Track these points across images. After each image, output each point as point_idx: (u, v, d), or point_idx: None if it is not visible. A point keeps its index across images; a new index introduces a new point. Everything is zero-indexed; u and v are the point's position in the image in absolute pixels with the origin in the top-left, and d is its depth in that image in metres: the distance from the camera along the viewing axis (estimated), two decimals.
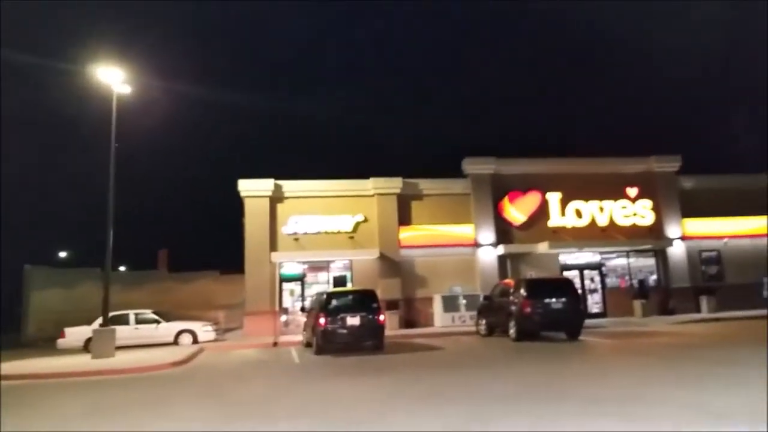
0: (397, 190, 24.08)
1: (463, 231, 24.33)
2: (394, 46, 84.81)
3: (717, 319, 21.14)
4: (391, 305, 22.12)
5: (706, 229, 25.84)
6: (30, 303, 31.16)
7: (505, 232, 24.69)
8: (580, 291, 21.71)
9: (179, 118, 74.66)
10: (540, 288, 16.82)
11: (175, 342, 20.25)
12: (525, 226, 24.83)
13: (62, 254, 43.95)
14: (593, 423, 6.21)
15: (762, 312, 21.86)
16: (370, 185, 24.00)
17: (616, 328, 19.21)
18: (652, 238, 25.06)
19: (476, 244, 24.28)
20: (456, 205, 24.73)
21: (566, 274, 23.96)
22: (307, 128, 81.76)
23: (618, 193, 25.56)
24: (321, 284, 23.12)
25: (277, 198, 23.49)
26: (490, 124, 77.38)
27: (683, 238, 25.54)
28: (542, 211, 24.92)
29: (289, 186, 23.66)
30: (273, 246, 22.92)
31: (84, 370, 13.75)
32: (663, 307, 24.40)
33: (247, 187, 23.23)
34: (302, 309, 20.52)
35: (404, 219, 24.13)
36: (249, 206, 23.32)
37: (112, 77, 17.16)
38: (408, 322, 22.91)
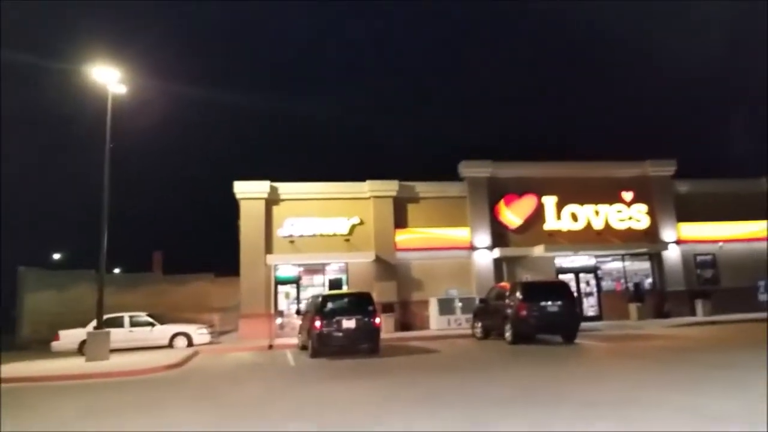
0: (393, 193, 24.07)
1: (459, 234, 24.33)
2: (394, 46, 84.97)
3: (712, 323, 21.18)
4: (387, 308, 22.11)
5: (701, 233, 25.90)
6: (24, 305, 30.99)
7: (501, 235, 24.70)
8: (575, 294, 21.73)
9: (175, 119, 74.67)
10: (536, 291, 16.82)
11: (170, 345, 20.15)
12: (521, 229, 24.85)
13: (56, 256, 43.70)
14: (589, 426, 6.21)
15: (757, 315, 21.98)
16: (366, 188, 23.98)
17: (611, 332, 19.24)
18: (648, 242, 25.12)
19: (472, 247, 24.29)
20: (452, 208, 24.73)
21: (562, 277, 24.00)
22: (305, 128, 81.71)
23: (613, 197, 25.62)
24: (316, 287, 23.07)
25: (272, 200, 23.43)
26: (489, 124, 77.64)
27: (678, 241, 25.61)
28: (538, 214, 24.96)
29: (285, 188, 23.61)
30: (268, 248, 22.87)
31: (78, 373, 13.66)
32: (658, 311, 24.47)
33: (242, 189, 23.17)
34: (298, 312, 20.45)
35: (400, 222, 24.12)
36: (244, 208, 23.27)
37: (108, 77, 17.05)
38: (404, 325, 22.89)
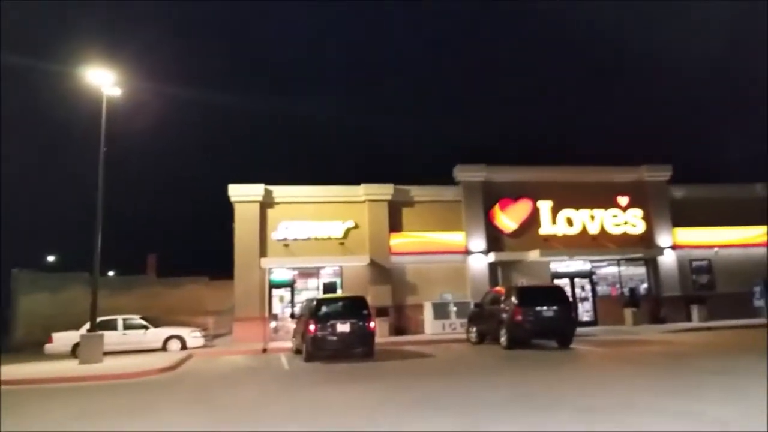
0: (388, 197, 24.05)
1: (454, 238, 24.31)
2: (394, 46, 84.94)
3: (708, 328, 21.20)
4: (382, 312, 22.03)
5: (696, 238, 25.95)
6: (18, 307, 30.85)
7: (496, 239, 24.70)
8: (570, 299, 21.71)
9: (170, 121, 74.31)
10: (531, 296, 16.78)
11: (164, 348, 20.04)
12: (516, 233, 24.85)
13: (50, 258, 43.50)
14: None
15: (753, 321, 22.03)
16: (361, 191, 23.95)
17: (607, 337, 19.22)
18: (643, 247, 25.16)
19: (467, 252, 24.27)
20: (447, 212, 24.72)
21: (557, 282, 23.98)
22: (302, 130, 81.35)
23: (609, 202, 25.66)
24: (311, 290, 23.01)
25: (267, 203, 23.38)
26: (489, 124, 77.68)
27: (674, 247, 25.65)
28: (533, 219, 24.96)
29: (280, 191, 23.56)
30: (263, 252, 22.80)
31: (71, 376, 13.58)
32: (654, 316, 24.48)
33: (237, 192, 23.11)
34: (292, 315, 20.39)
35: (395, 226, 24.09)
36: (239, 211, 23.20)
37: (102, 80, 17.00)
38: (398, 330, 22.83)
